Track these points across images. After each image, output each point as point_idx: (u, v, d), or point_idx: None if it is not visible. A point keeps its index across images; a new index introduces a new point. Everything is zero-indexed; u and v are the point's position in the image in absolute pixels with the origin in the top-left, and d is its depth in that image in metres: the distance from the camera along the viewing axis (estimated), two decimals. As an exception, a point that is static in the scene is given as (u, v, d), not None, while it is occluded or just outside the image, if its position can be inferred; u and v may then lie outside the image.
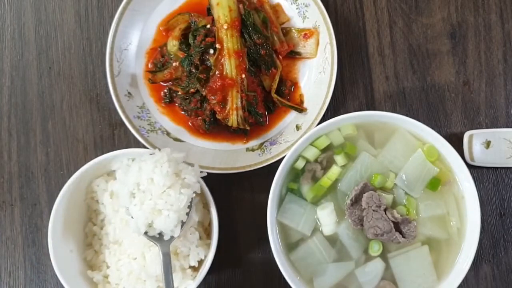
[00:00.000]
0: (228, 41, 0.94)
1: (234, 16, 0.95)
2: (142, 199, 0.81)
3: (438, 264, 0.86)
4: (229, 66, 0.94)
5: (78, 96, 1.07)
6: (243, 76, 0.95)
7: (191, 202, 0.85)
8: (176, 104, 1.03)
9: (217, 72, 0.95)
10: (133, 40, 1.04)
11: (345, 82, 1.06)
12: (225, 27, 0.94)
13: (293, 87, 1.04)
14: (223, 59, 0.95)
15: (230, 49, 0.94)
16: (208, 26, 0.98)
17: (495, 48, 1.06)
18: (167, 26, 1.04)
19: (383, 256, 0.86)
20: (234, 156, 1.00)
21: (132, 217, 0.83)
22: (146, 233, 0.83)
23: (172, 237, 0.84)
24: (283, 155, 0.95)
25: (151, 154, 0.85)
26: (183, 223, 0.84)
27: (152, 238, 0.84)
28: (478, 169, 1.01)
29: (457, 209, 0.87)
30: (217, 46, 0.95)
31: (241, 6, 0.97)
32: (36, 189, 1.04)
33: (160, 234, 0.84)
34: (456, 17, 1.07)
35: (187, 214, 0.84)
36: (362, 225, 0.85)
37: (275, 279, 0.99)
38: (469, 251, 0.84)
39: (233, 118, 0.95)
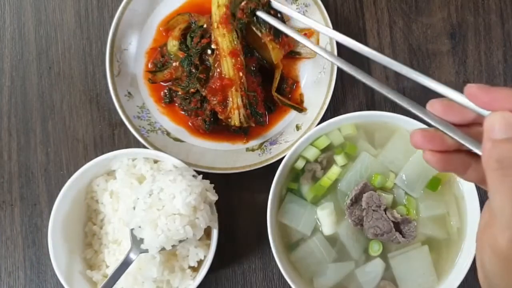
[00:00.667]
0: (222, 41, 0.94)
1: (222, 12, 0.94)
2: (152, 204, 0.81)
3: (438, 264, 0.86)
4: (226, 65, 0.94)
5: (78, 96, 1.07)
6: (241, 74, 0.94)
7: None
8: (176, 104, 1.03)
9: (216, 72, 0.95)
10: (133, 40, 1.04)
11: (345, 82, 1.06)
12: (215, 25, 0.94)
13: (294, 85, 1.04)
14: (220, 58, 0.94)
15: (225, 49, 0.94)
16: (204, 26, 0.97)
17: (495, 48, 1.06)
18: (167, 26, 1.04)
19: (383, 256, 0.86)
20: (234, 156, 1.00)
21: (134, 208, 0.83)
22: (133, 229, 0.83)
23: (146, 250, 0.82)
24: (283, 155, 0.95)
25: (194, 176, 0.85)
26: (163, 249, 0.82)
27: (134, 238, 0.83)
28: (478, 169, 1.01)
29: (457, 209, 0.87)
30: (213, 46, 0.95)
31: None
32: (36, 189, 1.04)
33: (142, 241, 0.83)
34: (456, 17, 1.07)
35: (173, 246, 0.82)
36: (362, 225, 0.85)
37: (275, 279, 0.99)
38: (469, 251, 0.84)
39: (236, 117, 0.95)
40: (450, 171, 0.52)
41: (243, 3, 0.93)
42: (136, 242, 0.83)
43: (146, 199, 0.81)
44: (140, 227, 0.81)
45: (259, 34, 0.95)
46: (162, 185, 0.82)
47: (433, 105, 0.52)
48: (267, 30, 0.95)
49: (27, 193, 1.04)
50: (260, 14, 0.91)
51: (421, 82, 0.57)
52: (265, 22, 0.94)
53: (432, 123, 0.51)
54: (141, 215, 0.81)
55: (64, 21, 1.09)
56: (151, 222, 0.80)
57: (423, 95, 1.05)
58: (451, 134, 0.49)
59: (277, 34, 0.97)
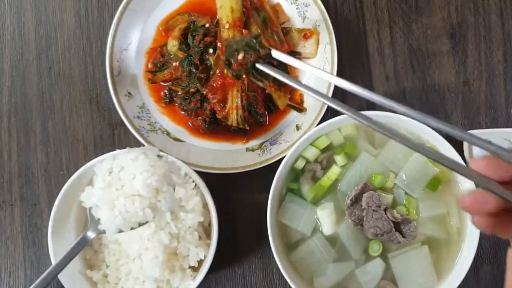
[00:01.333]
0: (229, 40, 0.94)
1: (236, 16, 0.95)
2: (111, 183, 0.76)
3: (438, 264, 0.86)
4: (230, 65, 0.94)
5: (78, 96, 1.07)
6: (244, 75, 0.95)
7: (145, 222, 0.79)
8: (176, 104, 1.03)
9: (217, 71, 0.95)
10: (133, 40, 1.04)
11: (345, 82, 1.06)
12: (226, 26, 0.94)
13: (294, 86, 1.04)
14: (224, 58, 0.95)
15: (232, 49, 0.94)
16: (207, 25, 0.98)
17: (495, 48, 1.06)
18: (166, 26, 1.05)
19: (383, 256, 0.86)
20: (234, 156, 1.00)
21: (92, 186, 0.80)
22: (90, 208, 0.80)
23: (104, 231, 0.78)
24: (283, 155, 0.95)
25: (159, 156, 0.81)
26: (121, 231, 0.78)
27: (91, 217, 0.80)
28: (478, 169, 1.01)
29: (457, 209, 0.87)
30: (218, 45, 0.95)
31: (246, 3, 0.97)
32: (36, 189, 1.04)
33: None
34: (456, 17, 1.07)
35: (131, 228, 0.78)
36: (362, 225, 0.85)
37: (275, 279, 0.99)
38: (469, 251, 0.84)
39: (233, 117, 0.95)
40: (498, 233, 0.49)
41: (240, 56, 0.84)
42: (94, 222, 0.80)
43: (105, 177, 0.77)
44: (97, 206, 0.77)
45: (261, 84, 0.89)
46: (122, 163, 0.77)
47: (476, 164, 0.48)
48: (270, 80, 0.89)
49: (27, 193, 1.04)
50: (261, 66, 0.83)
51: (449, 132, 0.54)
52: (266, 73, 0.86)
53: (479, 183, 0.47)
54: (98, 194, 0.76)
55: (64, 21, 1.09)
56: (108, 202, 0.76)
57: (423, 96, 1.06)
58: (501, 194, 0.46)
59: (280, 81, 0.88)
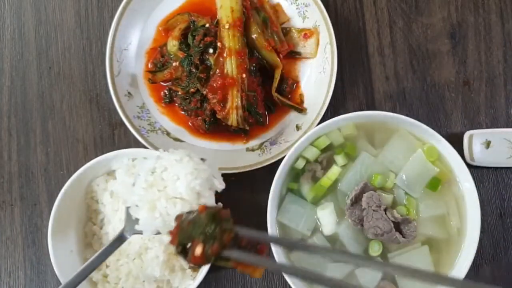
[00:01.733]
0: (230, 40, 0.94)
1: (236, 16, 0.95)
2: (154, 183, 0.75)
3: (438, 264, 0.86)
4: (230, 65, 0.94)
5: (78, 96, 1.07)
6: (244, 75, 0.95)
7: None
8: (176, 104, 1.03)
9: (217, 71, 0.95)
10: (133, 40, 1.04)
11: (345, 82, 1.06)
12: (226, 26, 0.94)
13: (294, 85, 1.04)
14: (224, 58, 0.95)
15: (232, 48, 0.94)
16: (207, 25, 0.98)
17: (495, 48, 1.06)
18: (166, 26, 1.05)
19: (383, 256, 0.86)
20: (234, 156, 1.00)
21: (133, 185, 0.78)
22: (129, 208, 0.79)
23: (141, 232, 0.78)
24: (283, 155, 0.95)
25: (202, 159, 0.79)
26: (158, 233, 0.78)
27: (128, 217, 0.78)
28: (478, 169, 1.01)
29: (457, 209, 0.87)
30: (218, 44, 0.95)
31: (246, 3, 0.97)
32: (36, 189, 1.04)
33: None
34: (456, 17, 1.07)
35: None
36: (362, 225, 0.85)
37: (275, 279, 0.99)
38: (469, 251, 0.84)
39: (233, 117, 0.95)
40: None
41: (197, 250, 0.63)
42: (131, 222, 0.78)
43: (147, 176, 0.75)
44: (137, 206, 0.76)
45: (226, 265, 0.66)
46: (166, 163, 0.76)
47: None
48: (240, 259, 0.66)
49: (27, 193, 1.04)
50: (227, 254, 0.64)
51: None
52: None
53: None
54: (139, 193, 0.75)
55: (64, 21, 1.09)
56: (149, 202, 0.74)
57: (423, 96, 1.06)
58: None
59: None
